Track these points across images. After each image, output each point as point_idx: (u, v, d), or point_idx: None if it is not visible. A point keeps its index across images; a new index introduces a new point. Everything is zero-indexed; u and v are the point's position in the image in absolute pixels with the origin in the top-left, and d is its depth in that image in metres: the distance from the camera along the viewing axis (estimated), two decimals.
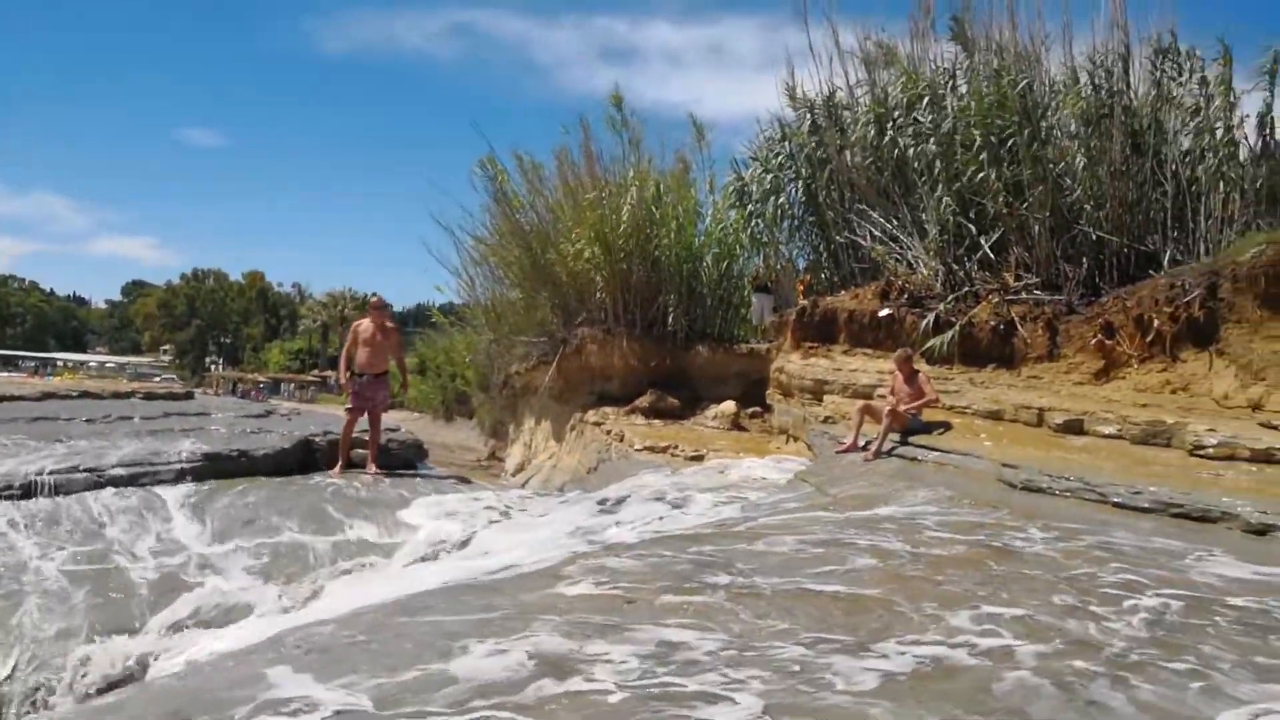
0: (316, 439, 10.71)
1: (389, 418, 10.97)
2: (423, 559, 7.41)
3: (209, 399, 20.73)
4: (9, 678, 5.59)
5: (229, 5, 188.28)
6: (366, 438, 10.20)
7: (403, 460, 11.07)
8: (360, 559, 7.46)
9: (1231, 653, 3.70)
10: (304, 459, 10.40)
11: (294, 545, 7.61)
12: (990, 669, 3.45)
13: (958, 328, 11.08)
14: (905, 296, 12.19)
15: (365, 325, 10.02)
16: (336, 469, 10.00)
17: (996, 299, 11.26)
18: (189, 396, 16.64)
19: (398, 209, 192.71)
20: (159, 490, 8.45)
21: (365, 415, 10.03)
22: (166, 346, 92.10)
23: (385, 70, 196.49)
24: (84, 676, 5.64)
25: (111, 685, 5.59)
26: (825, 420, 11.54)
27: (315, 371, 68.82)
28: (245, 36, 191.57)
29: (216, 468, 9.36)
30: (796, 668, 3.44)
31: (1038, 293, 11.26)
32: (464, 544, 7.62)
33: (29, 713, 5.25)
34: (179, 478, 8.92)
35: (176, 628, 6.24)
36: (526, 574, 5.37)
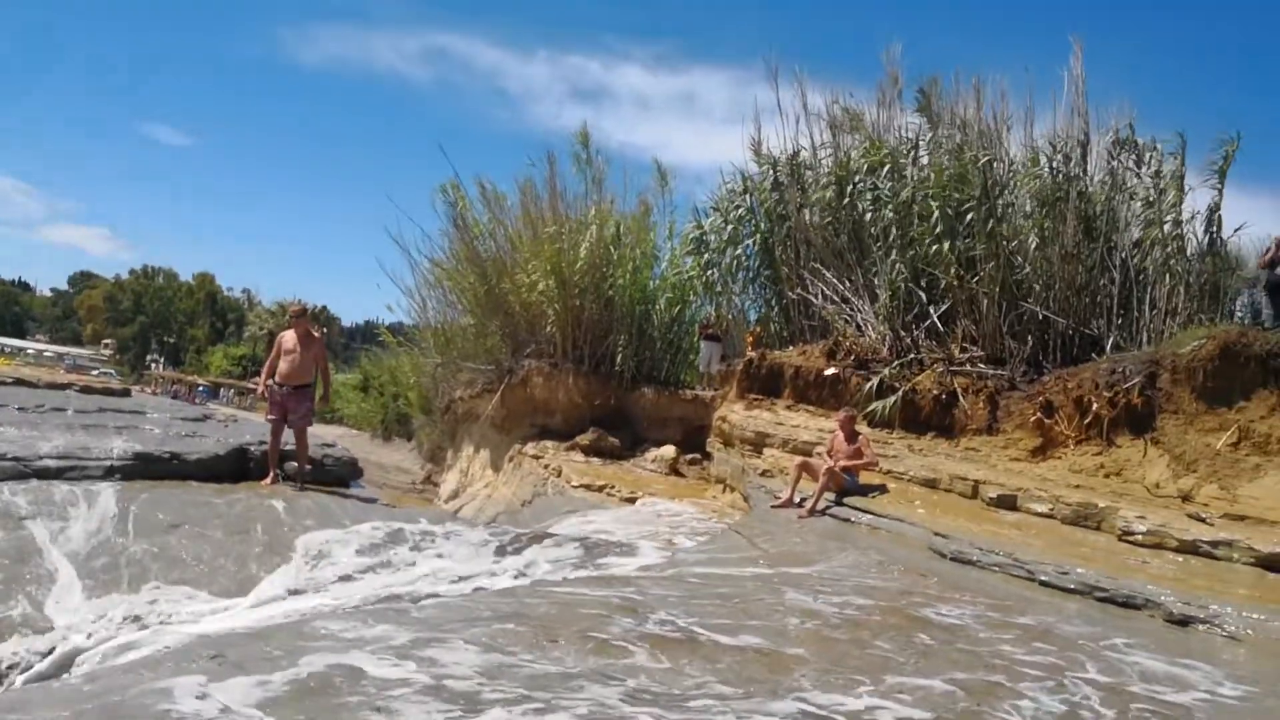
0: (252, 448, 10.39)
1: (328, 431, 10.67)
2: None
3: (145, 398, 20.13)
4: None
5: (205, 6, 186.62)
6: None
7: (335, 476, 10.77)
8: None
9: None
10: (238, 467, 10.06)
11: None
12: None
13: (901, 393, 11.13)
14: (852, 358, 12.24)
15: (288, 335, 9.76)
16: (267, 480, 9.70)
17: (941, 368, 11.35)
18: (125, 394, 16.11)
19: (356, 223, 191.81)
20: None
21: (291, 429, 9.74)
22: (108, 341, 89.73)
23: (357, 86, 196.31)
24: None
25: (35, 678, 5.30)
26: (763, 473, 11.48)
27: (257, 379, 67.60)
28: (219, 40, 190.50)
29: (147, 468, 9.04)
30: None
31: (982, 366, 11.38)
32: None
33: None
34: (108, 474, 8.60)
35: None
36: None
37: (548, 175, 17.79)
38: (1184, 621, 5.98)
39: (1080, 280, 11.55)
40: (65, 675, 5.24)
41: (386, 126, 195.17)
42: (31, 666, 5.55)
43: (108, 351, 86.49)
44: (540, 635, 4.34)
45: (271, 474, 9.72)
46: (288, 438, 9.80)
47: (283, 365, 9.61)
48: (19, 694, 4.15)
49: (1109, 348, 10.99)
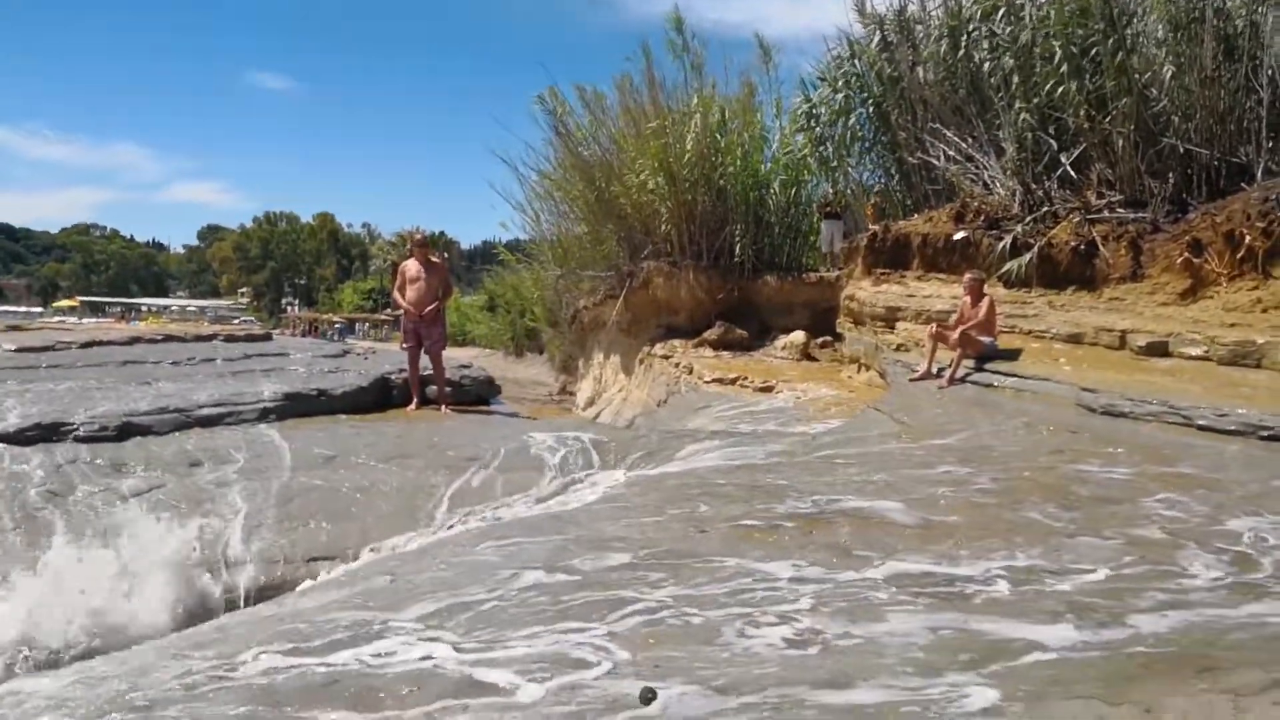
0: (393, 377, 10.88)
1: (462, 354, 11.06)
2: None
3: (287, 340, 21.22)
4: None
5: None
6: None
7: (475, 396, 11.19)
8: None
9: None
10: (381, 397, 10.56)
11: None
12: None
13: (1036, 249, 10.69)
14: (981, 218, 11.78)
15: (410, 264, 10.05)
16: (412, 406, 10.17)
17: (1077, 218, 10.82)
18: (267, 338, 17.05)
19: (465, 146, 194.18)
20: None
21: (428, 355, 10.12)
22: (243, 289, 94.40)
23: (453, 9, 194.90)
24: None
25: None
26: (898, 348, 11.34)
27: (388, 310, 70.01)
28: None
29: (298, 407, 9.56)
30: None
31: (1121, 211, 10.78)
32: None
33: None
34: (262, 416, 9.14)
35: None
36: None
37: (645, 68, 17.51)
38: None
39: (1223, 105, 10.71)
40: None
41: (486, 46, 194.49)
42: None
43: (245, 300, 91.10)
44: (690, 526, 4.51)
45: (415, 399, 10.17)
46: (425, 363, 10.20)
47: (410, 294, 9.95)
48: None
49: (1260, 175, 10.22)
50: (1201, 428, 6.55)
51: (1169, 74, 10.95)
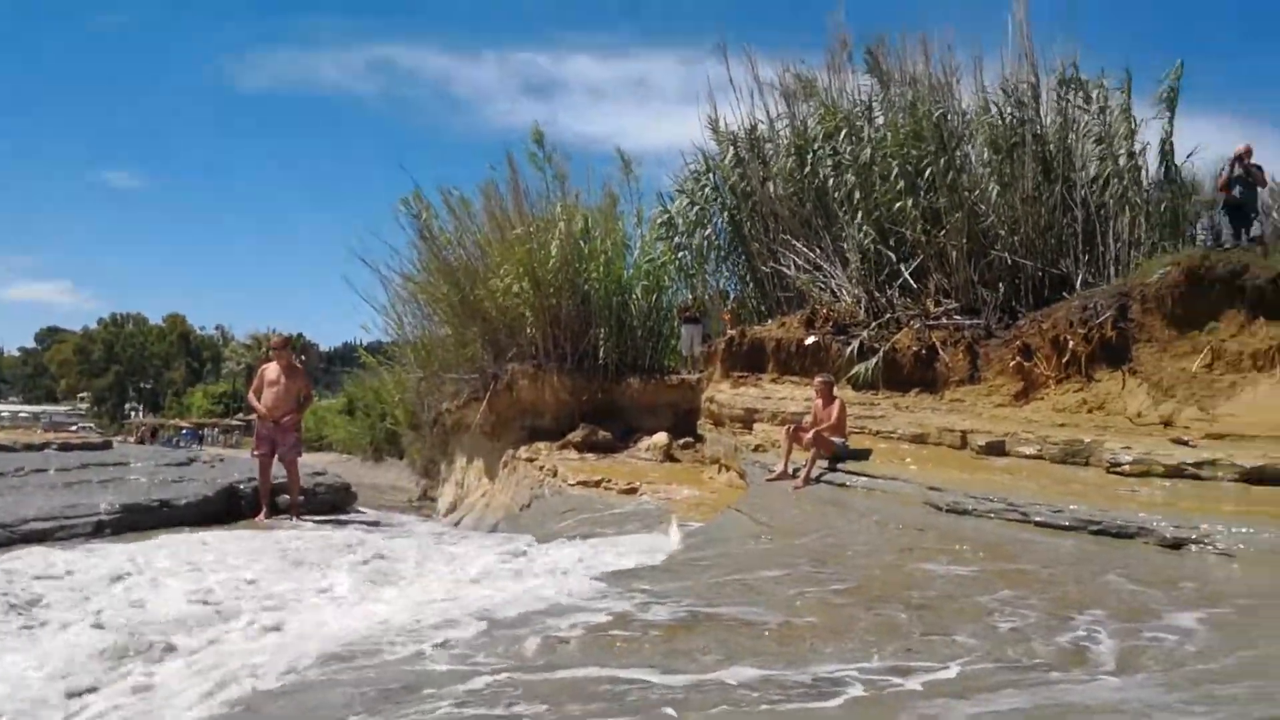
0: (241, 486, 10.41)
1: (318, 459, 10.71)
2: None
3: (128, 448, 20.01)
4: None
5: (141, 46, 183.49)
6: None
7: (330, 504, 10.81)
8: None
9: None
10: (229, 507, 10.08)
11: None
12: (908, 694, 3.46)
13: (881, 354, 11.26)
14: (830, 324, 12.35)
15: (271, 367, 9.77)
16: (261, 515, 9.72)
17: (918, 325, 11.48)
18: (106, 446, 16.05)
19: (323, 247, 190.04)
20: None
21: (281, 462, 9.75)
22: (84, 394, 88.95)
23: (305, 107, 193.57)
24: None
25: None
26: (756, 448, 11.60)
27: (239, 416, 67.13)
28: (159, 76, 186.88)
29: (137, 519, 9.02)
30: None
31: (957, 317, 11.51)
32: None
33: None
34: (97, 530, 8.57)
35: None
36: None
37: (509, 177, 17.78)
38: (1177, 544, 6.13)
39: (1044, 221, 11.71)
40: None
41: (341, 145, 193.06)
42: None
43: (84, 405, 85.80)
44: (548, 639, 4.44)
45: (264, 508, 9.74)
46: (278, 471, 9.82)
47: (267, 397, 9.62)
48: None
49: (1079, 285, 11.16)
50: (1039, 524, 6.93)
51: (995, 192, 11.92)
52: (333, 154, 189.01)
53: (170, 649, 4.47)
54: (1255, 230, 10.27)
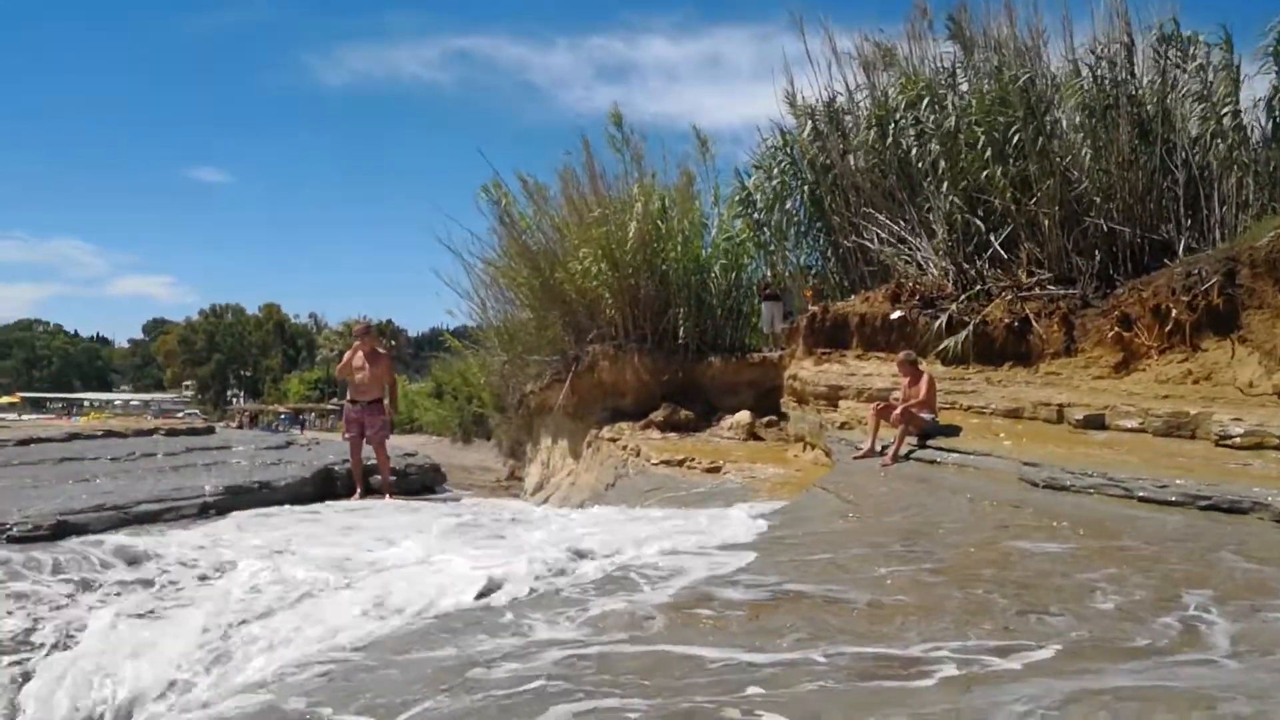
0: (336, 467, 10.66)
1: (409, 441, 10.91)
2: None
3: (230, 432, 20.73)
4: None
5: (228, 46, 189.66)
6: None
7: (421, 484, 11.00)
8: None
9: None
10: (323, 488, 10.33)
11: None
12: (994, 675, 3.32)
13: (971, 327, 10.94)
14: (917, 298, 12.05)
15: (356, 355, 9.98)
16: (355, 496, 9.95)
17: (1010, 296, 11.13)
18: (210, 431, 16.65)
19: (409, 235, 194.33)
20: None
21: (370, 444, 9.96)
22: (189, 382, 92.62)
23: (386, 100, 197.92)
24: None
25: None
26: (842, 426, 11.41)
27: (334, 400, 69.01)
28: (246, 75, 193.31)
29: (239, 499, 9.32)
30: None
31: (1051, 288, 11.12)
32: None
33: None
34: (202, 511, 8.89)
35: None
36: None
37: (585, 160, 17.82)
38: None
39: (1141, 186, 11.19)
40: None
41: (422, 136, 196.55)
42: None
43: (190, 393, 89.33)
44: (638, 616, 4.41)
45: (358, 489, 9.97)
46: (369, 452, 10.03)
47: (353, 383, 9.85)
48: None
49: (1181, 251, 10.65)
50: (1142, 499, 6.62)
51: (1088, 157, 11.43)
52: (415, 145, 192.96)
53: None
54: None
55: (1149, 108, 11.50)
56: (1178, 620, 4.05)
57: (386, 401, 10.20)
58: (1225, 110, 10.87)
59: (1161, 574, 4.90)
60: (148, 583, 5.69)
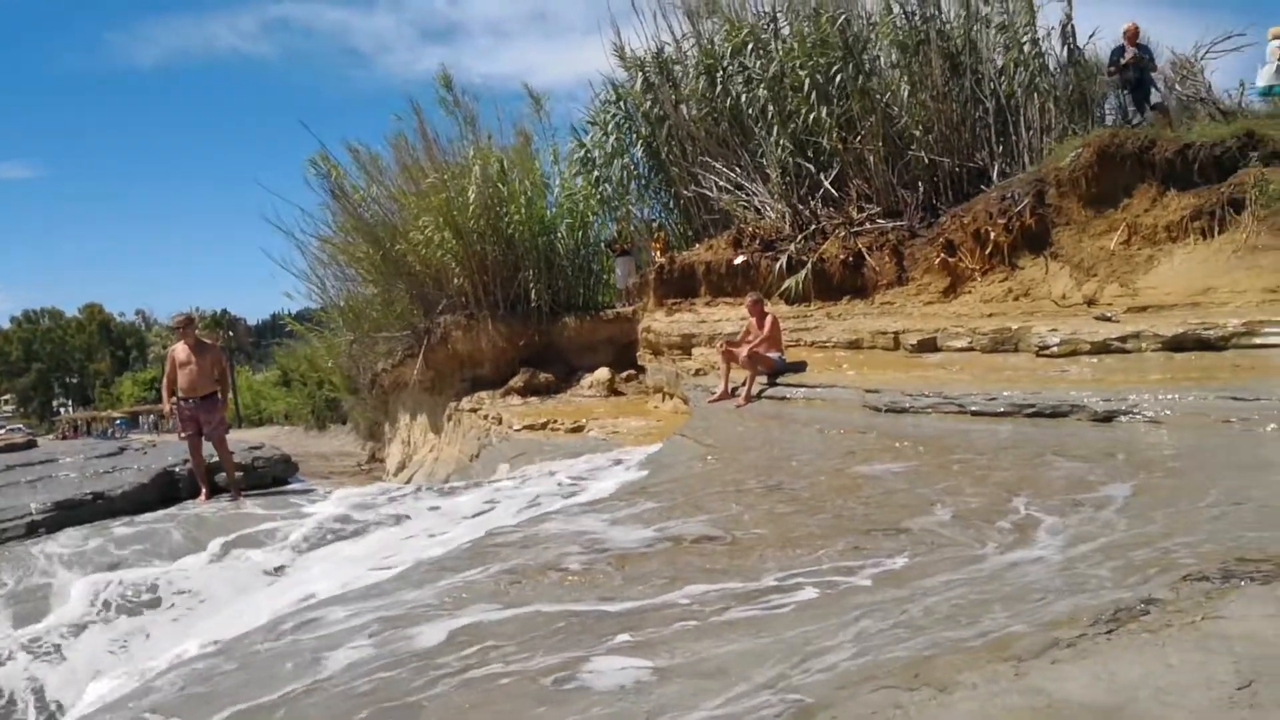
0: (177, 470, 10.13)
1: (259, 434, 10.45)
2: None
3: (55, 444, 19.43)
4: None
5: (13, 29, 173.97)
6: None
7: (271, 478, 10.59)
8: None
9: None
10: (166, 493, 9.81)
11: None
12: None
13: (810, 266, 11.30)
14: (757, 242, 12.33)
15: (180, 348, 9.43)
16: (201, 498, 9.48)
17: (843, 233, 11.52)
18: (31, 445, 15.57)
19: (238, 220, 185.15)
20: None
21: (209, 441, 9.49)
22: (6, 396, 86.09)
23: (205, 76, 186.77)
24: None
25: None
26: (696, 373, 11.63)
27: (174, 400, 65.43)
28: (42, 60, 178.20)
29: (72, 514, 8.75)
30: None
31: (881, 221, 11.56)
32: None
33: None
34: (31, 530, 8.30)
35: None
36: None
37: (417, 126, 17.32)
38: (1108, 417, 6.28)
39: (956, 116, 11.74)
40: None
41: (245, 111, 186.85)
42: None
43: (9, 406, 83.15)
44: (506, 577, 4.41)
45: (204, 490, 9.52)
46: (211, 451, 9.57)
47: (181, 379, 9.31)
48: None
49: (996, 176, 11.27)
50: (975, 413, 7.05)
51: (905, 92, 11.90)
52: (239, 122, 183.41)
53: None
54: (1155, 98, 10.48)
55: (957, 40, 12.04)
56: (1010, 523, 4.35)
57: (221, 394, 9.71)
58: (1025, 38, 11.50)
59: (995, 481, 5.24)
60: None
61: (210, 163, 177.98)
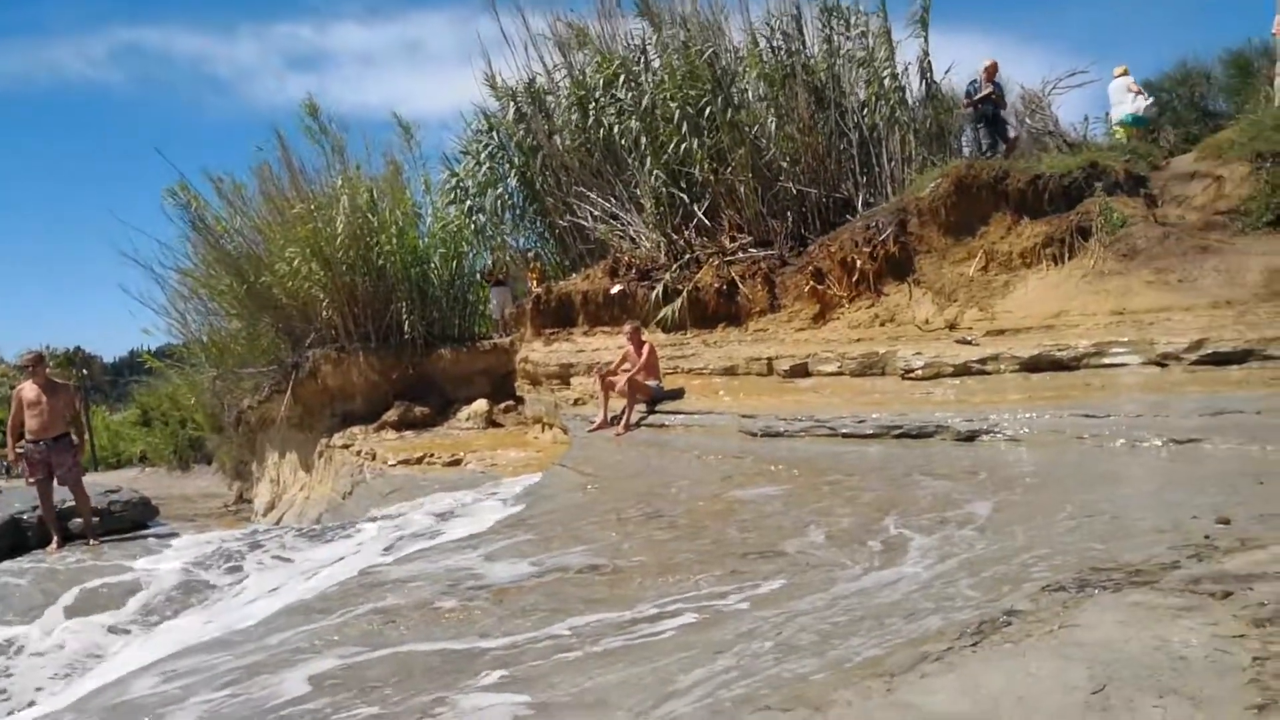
0: (25, 517, 9.44)
1: (117, 477, 9.84)
2: None
3: None
4: None
5: None
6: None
7: (130, 522, 9.99)
8: None
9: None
10: (14, 541, 9.13)
11: None
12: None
13: (685, 294, 11.43)
14: (633, 271, 12.42)
15: (28, 388, 8.83)
16: (52, 546, 8.85)
17: (717, 262, 11.70)
18: None
19: (90, 253, 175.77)
20: None
21: (63, 485, 8.90)
22: None
23: (49, 104, 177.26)
24: None
25: None
26: (575, 402, 11.58)
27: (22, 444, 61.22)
28: None
29: None
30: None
31: (753, 250, 11.81)
32: None
33: None
34: None
35: None
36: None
37: (281, 154, 16.77)
38: (971, 437, 6.55)
39: (822, 148, 12.12)
40: None
41: (96, 140, 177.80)
42: None
43: None
44: (382, 619, 4.26)
45: (55, 538, 8.90)
46: (64, 495, 8.97)
47: (30, 421, 8.69)
48: None
49: (860, 206, 11.67)
50: (845, 435, 7.25)
51: (773, 125, 12.23)
52: (89, 152, 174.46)
53: None
54: (1011, 133, 11.13)
55: (821, 75, 12.46)
56: (880, 542, 4.46)
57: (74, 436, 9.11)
58: (885, 73, 12.00)
59: (866, 501, 5.38)
60: None
61: (61, 195, 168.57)
